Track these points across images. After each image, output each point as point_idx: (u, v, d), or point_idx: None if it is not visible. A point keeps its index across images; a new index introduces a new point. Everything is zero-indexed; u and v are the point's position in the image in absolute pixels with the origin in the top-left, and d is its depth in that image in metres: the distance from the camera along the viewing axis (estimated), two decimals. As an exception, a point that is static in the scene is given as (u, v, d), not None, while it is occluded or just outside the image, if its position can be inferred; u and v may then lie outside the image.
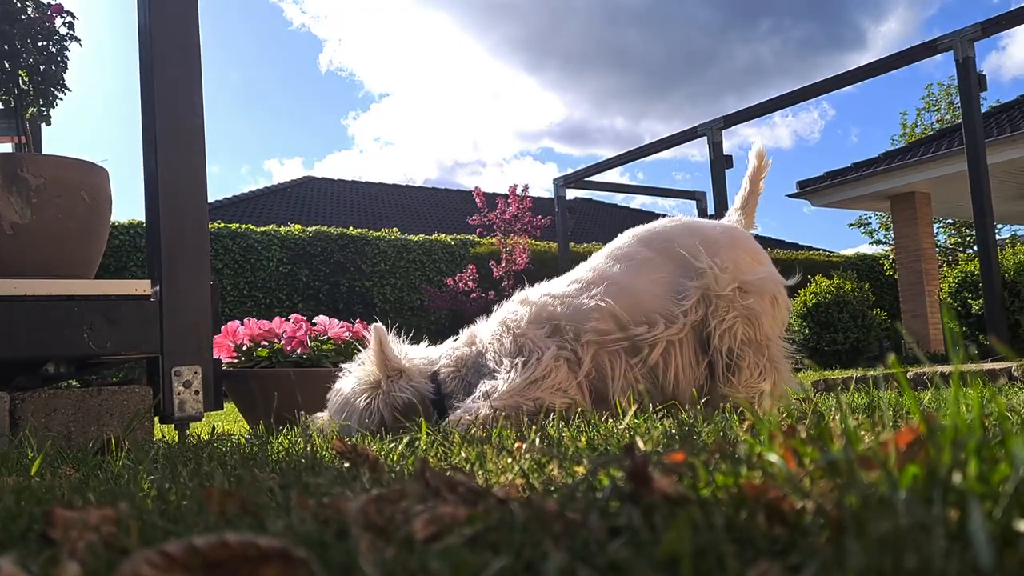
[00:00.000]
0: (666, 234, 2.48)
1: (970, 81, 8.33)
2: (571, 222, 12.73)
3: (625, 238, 2.55)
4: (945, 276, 10.74)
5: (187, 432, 2.66)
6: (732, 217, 2.75)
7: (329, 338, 3.82)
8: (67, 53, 3.15)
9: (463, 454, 1.29)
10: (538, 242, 14.75)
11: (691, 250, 2.37)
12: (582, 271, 2.52)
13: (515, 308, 2.41)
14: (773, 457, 0.76)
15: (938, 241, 17.40)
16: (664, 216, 2.68)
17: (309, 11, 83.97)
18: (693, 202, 14.41)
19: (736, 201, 2.82)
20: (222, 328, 4.25)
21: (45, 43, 3.10)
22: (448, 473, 0.89)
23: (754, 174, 2.81)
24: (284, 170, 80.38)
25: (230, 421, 4.86)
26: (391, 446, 1.51)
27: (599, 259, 2.52)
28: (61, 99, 3.19)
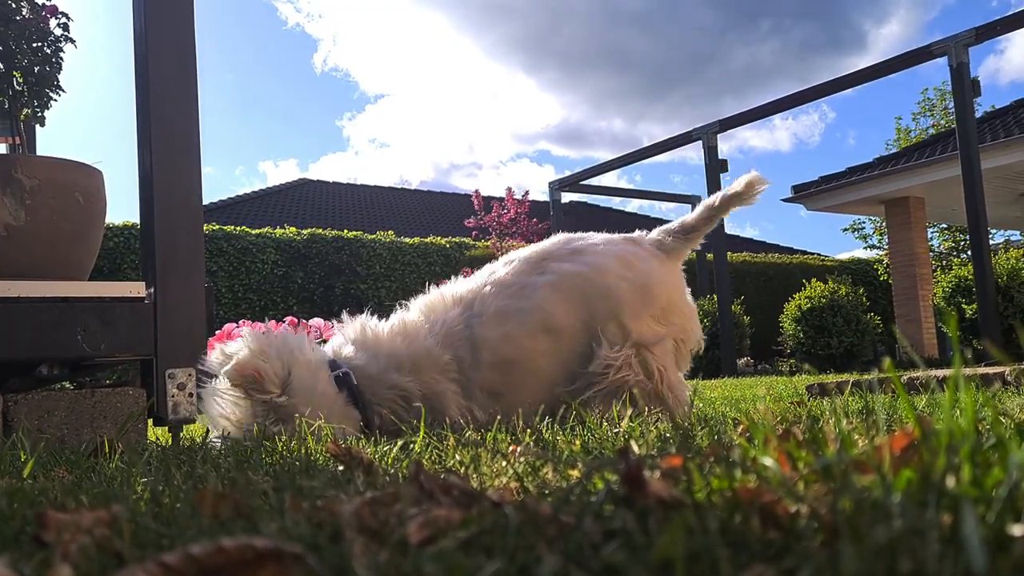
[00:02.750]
0: (580, 284, 2.31)
1: (964, 86, 8.36)
2: (567, 225, 12.75)
3: (540, 277, 2.31)
4: (939, 281, 10.77)
5: (181, 434, 2.66)
6: (667, 242, 2.46)
7: (324, 340, 3.82)
8: (62, 54, 3.15)
9: (458, 457, 1.29)
10: (534, 245, 14.78)
11: (598, 317, 2.27)
12: (480, 288, 2.30)
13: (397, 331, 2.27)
14: (768, 461, 0.76)
15: (932, 246, 17.45)
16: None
17: (304, 10, 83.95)
18: (688, 206, 14.45)
19: (692, 219, 2.49)
20: (217, 330, 4.24)
21: (40, 44, 3.09)
22: (442, 476, 0.89)
23: (729, 200, 2.49)
24: (279, 172, 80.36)
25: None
26: (385, 449, 1.51)
27: (506, 281, 2.31)
28: (56, 100, 3.18)
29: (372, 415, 2.16)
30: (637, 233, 2.54)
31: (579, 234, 2.51)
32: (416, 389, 2.15)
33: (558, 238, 2.49)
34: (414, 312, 2.34)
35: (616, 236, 2.49)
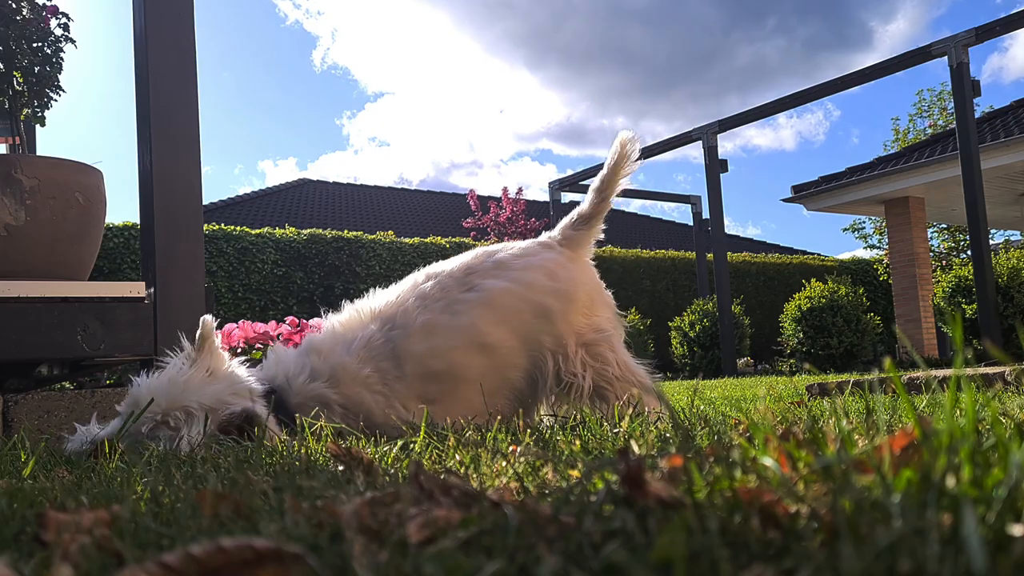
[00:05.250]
0: (513, 304, 2.40)
1: (964, 86, 8.36)
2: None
3: (470, 294, 2.38)
4: (939, 281, 10.76)
5: (181, 434, 2.65)
6: (573, 235, 2.58)
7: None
8: (62, 54, 3.15)
9: (457, 457, 1.29)
10: (533, 245, 14.86)
11: (536, 332, 2.39)
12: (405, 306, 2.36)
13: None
14: (767, 461, 0.76)
15: (932, 246, 17.44)
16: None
17: (303, 6, 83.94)
18: (689, 205, 14.45)
19: (588, 208, 2.60)
20: (217, 330, 4.24)
21: (40, 44, 3.09)
22: (442, 476, 0.89)
23: (609, 178, 2.58)
24: (278, 171, 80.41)
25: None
26: (385, 449, 1.51)
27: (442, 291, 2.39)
28: (56, 100, 3.18)
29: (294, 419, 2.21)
30: (546, 236, 2.65)
31: (497, 244, 2.63)
32: (335, 396, 2.25)
33: (479, 251, 2.58)
34: (329, 329, 2.42)
35: (531, 243, 2.60)
